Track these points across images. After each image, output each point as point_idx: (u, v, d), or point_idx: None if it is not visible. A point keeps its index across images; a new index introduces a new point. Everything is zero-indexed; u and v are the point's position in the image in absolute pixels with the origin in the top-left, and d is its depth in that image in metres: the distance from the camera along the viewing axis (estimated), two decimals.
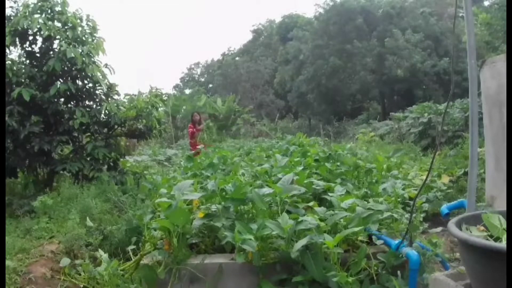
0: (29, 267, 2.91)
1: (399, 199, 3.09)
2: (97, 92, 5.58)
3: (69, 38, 5.13)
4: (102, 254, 2.93)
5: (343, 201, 2.78)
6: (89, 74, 5.29)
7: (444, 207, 2.66)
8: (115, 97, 5.71)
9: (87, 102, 5.60)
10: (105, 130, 5.58)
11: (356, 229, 2.34)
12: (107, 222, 3.71)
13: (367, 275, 2.24)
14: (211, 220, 2.62)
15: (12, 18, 5.16)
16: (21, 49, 5.28)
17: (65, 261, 2.96)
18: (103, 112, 5.46)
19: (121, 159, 5.84)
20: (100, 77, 5.39)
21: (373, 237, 2.48)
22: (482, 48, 11.02)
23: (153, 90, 5.96)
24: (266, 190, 2.77)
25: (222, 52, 44.86)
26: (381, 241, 2.44)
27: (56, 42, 5.23)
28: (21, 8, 5.19)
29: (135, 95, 5.88)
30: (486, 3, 19.13)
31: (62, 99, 5.36)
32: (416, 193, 2.52)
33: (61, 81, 5.24)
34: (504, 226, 1.33)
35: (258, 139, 17.00)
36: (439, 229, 3.06)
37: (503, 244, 1.22)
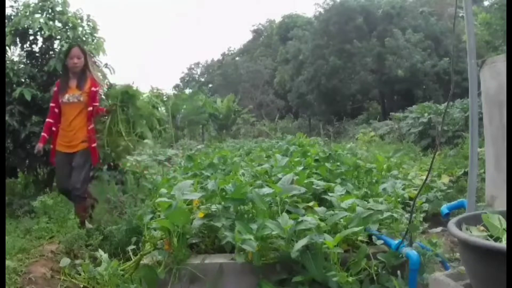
0: (29, 267, 2.91)
1: (399, 199, 3.09)
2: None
3: (70, 38, 5.14)
4: (102, 254, 2.93)
5: (343, 201, 2.78)
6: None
7: (444, 207, 2.66)
8: None
9: None
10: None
11: (356, 229, 2.34)
12: (107, 222, 3.71)
13: (367, 275, 2.24)
14: (211, 220, 2.61)
15: (12, 17, 5.16)
16: (21, 49, 5.28)
17: (65, 261, 2.96)
18: None
19: (121, 159, 5.83)
20: (101, 77, 5.39)
21: (373, 237, 2.48)
22: (482, 48, 11.04)
23: (154, 90, 5.95)
24: (266, 190, 2.77)
25: (222, 52, 44.99)
26: (381, 241, 2.44)
27: (57, 42, 5.23)
28: (21, 8, 5.19)
29: None
30: (486, 3, 19.16)
31: None
32: (416, 193, 2.52)
33: None
34: (504, 226, 1.33)
35: (258, 139, 17.00)
36: (439, 229, 3.06)
37: (503, 244, 1.22)
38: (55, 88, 3.87)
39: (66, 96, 3.77)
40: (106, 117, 3.99)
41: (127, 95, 3.96)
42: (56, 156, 3.84)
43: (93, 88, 3.85)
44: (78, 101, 3.78)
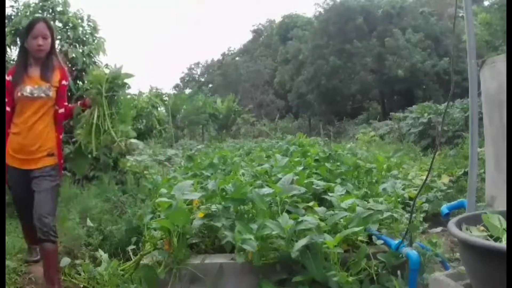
0: (29, 267, 2.91)
1: (399, 199, 3.10)
2: None
3: (70, 38, 5.14)
4: (102, 254, 2.93)
5: (343, 201, 2.79)
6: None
7: (444, 207, 2.66)
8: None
9: None
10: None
11: (356, 229, 2.34)
12: (107, 222, 3.71)
13: (367, 275, 2.24)
14: (211, 220, 2.62)
15: (12, 17, 5.17)
16: None
17: (65, 261, 2.96)
18: None
19: (121, 159, 5.84)
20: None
21: (373, 237, 2.49)
22: (482, 48, 11.05)
23: (153, 90, 5.96)
24: (266, 190, 2.77)
25: (222, 52, 44.98)
26: (381, 241, 2.45)
27: (57, 42, 5.23)
28: (21, 8, 5.19)
29: (135, 95, 5.88)
30: (486, 3, 19.18)
31: None
32: (416, 193, 2.52)
33: None
34: (504, 226, 1.33)
35: (258, 139, 17.01)
36: (439, 229, 3.06)
37: (503, 244, 1.22)
38: (8, 77, 2.68)
39: (28, 88, 2.62)
40: (85, 111, 2.86)
41: (117, 84, 2.82)
42: (9, 174, 2.64)
43: (63, 82, 2.77)
44: (46, 97, 2.66)
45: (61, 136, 2.80)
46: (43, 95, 2.65)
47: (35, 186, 2.61)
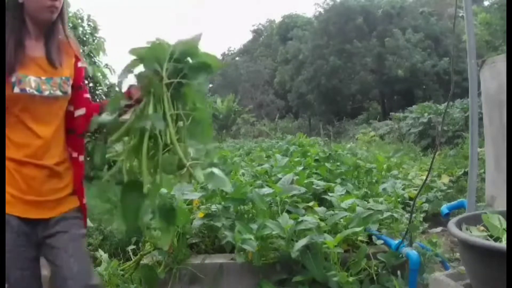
0: None
1: (399, 199, 3.10)
2: (97, 92, 5.58)
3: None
4: (102, 254, 2.93)
5: (343, 201, 2.79)
6: (89, 74, 5.28)
7: (444, 207, 2.67)
8: None
9: None
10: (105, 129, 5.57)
11: (356, 229, 2.34)
12: (107, 223, 3.71)
13: (367, 275, 2.24)
14: (211, 220, 2.62)
15: None
16: None
17: None
18: None
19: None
20: (101, 77, 5.38)
21: (373, 237, 2.49)
22: (482, 48, 11.05)
23: None
24: (266, 190, 2.77)
25: (222, 52, 44.87)
26: (381, 241, 2.45)
27: None
28: None
29: None
30: (486, 3, 19.18)
31: None
32: (416, 193, 2.52)
33: None
34: (504, 226, 1.33)
35: (258, 139, 17.00)
36: (439, 229, 3.06)
37: (503, 244, 1.22)
38: None
39: (32, 80, 1.43)
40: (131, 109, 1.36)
41: (189, 64, 1.36)
42: (7, 230, 1.42)
43: (80, 64, 1.61)
44: (63, 96, 1.51)
45: (81, 159, 1.75)
46: (58, 93, 1.48)
47: (56, 241, 1.56)
